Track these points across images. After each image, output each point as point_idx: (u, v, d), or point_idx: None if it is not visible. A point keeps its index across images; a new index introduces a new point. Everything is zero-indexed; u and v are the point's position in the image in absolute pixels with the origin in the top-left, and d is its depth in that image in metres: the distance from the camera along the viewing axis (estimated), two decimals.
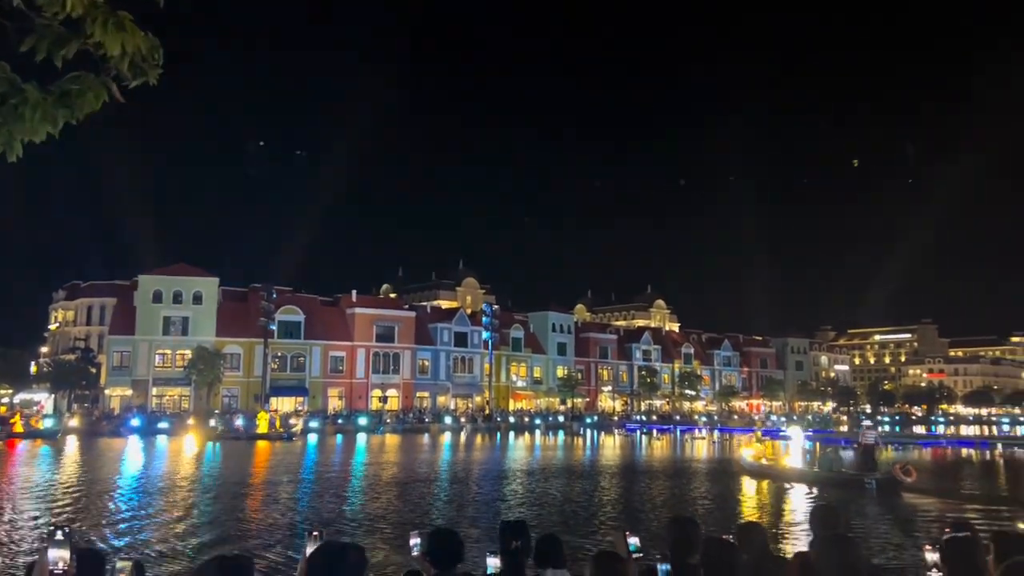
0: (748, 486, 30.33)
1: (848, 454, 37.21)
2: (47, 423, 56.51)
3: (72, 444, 49.18)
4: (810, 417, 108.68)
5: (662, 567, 4.10)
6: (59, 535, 2.69)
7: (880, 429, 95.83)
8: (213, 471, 34.89)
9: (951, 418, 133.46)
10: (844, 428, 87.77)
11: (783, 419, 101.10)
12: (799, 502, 25.80)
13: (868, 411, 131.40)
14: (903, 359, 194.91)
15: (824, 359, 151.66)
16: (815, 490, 28.41)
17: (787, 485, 29.56)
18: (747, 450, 36.35)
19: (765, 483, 30.40)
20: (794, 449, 38.26)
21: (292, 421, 63.76)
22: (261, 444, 51.07)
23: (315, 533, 3.63)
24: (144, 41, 3.22)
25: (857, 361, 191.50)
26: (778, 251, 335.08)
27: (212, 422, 61.39)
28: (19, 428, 53.04)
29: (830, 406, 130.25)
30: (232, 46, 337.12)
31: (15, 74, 3.11)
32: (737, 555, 4.10)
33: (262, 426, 56.69)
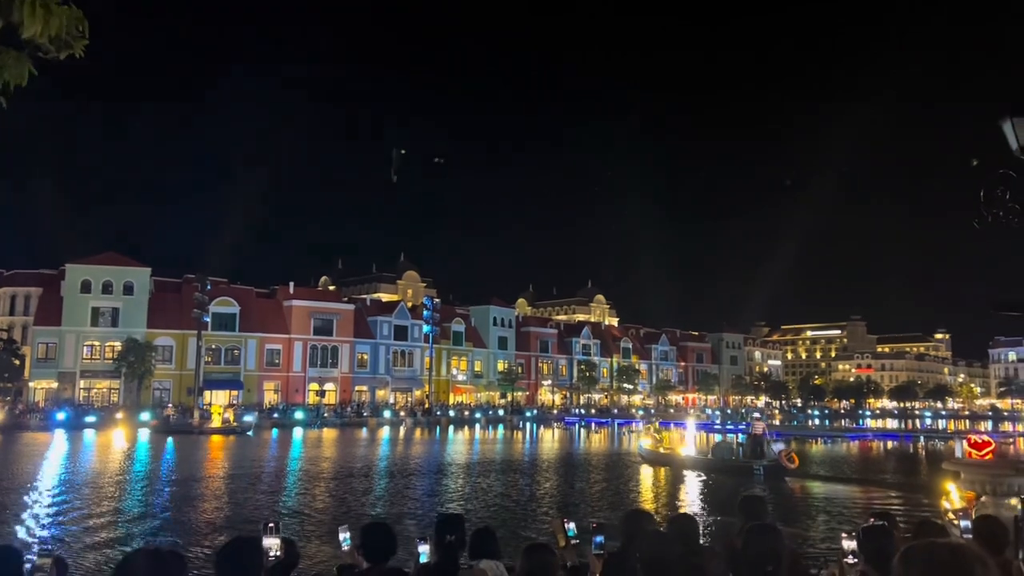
0: (646, 473, 31.91)
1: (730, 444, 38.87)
2: None
3: None
4: (743, 410, 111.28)
5: (596, 538, 4.17)
6: None
7: (811, 422, 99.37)
8: (162, 467, 33.96)
9: (878, 412, 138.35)
10: (776, 421, 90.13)
11: (718, 412, 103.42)
12: (695, 487, 27.86)
13: (799, 404, 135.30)
14: (833, 354, 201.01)
15: (758, 354, 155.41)
16: (709, 476, 30.45)
17: (684, 472, 31.51)
18: (645, 440, 38.37)
19: (663, 470, 32.16)
20: (688, 438, 40.29)
21: (227, 415, 62.51)
22: (215, 439, 50.00)
23: (271, 524, 3.67)
24: (69, 14, 3.12)
25: (789, 356, 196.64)
26: (713, 249, 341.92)
27: (145, 416, 59.99)
28: None
29: (763, 400, 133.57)
30: (165, 14, 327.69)
31: None
32: (670, 546, 4.16)
33: (216, 420, 55.58)
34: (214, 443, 46.77)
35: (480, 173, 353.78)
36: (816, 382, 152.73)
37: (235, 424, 56.44)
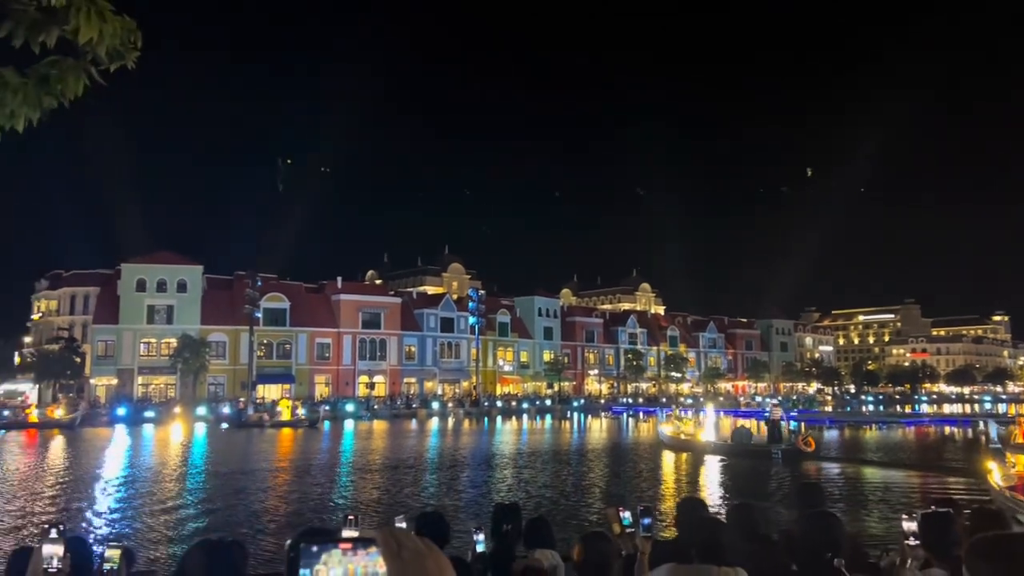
0: (671, 460, 32.51)
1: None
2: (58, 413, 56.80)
3: (81, 434, 48.93)
4: (795, 397, 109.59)
5: (644, 520, 4.22)
6: (53, 533, 2.69)
7: (865, 408, 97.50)
8: (234, 459, 34.84)
9: (934, 397, 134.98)
10: (828, 408, 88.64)
11: (768, 400, 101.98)
12: (715, 472, 28.55)
13: (852, 391, 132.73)
14: (887, 339, 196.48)
15: (809, 340, 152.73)
16: (729, 460, 31.11)
17: (705, 457, 32.40)
18: (666, 427, 39.30)
19: (684, 456, 32.98)
20: (709, 424, 41.15)
21: (279, 409, 63.64)
22: (285, 431, 51.13)
23: (351, 517, 3.66)
24: (122, 25, 3.19)
25: (841, 341, 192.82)
26: (762, 234, 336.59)
27: (202, 410, 61.59)
28: (33, 419, 53.92)
29: (815, 386, 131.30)
30: (220, 32, 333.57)
31: None
32: (728, 534, 4.15)
33: (285, 414, 56.80)
34: (284, 436, 47.88)
35: (523, 165, 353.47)
36: (869, 367, 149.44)
37: (304, 417, 57.59)
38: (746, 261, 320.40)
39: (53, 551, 2.66)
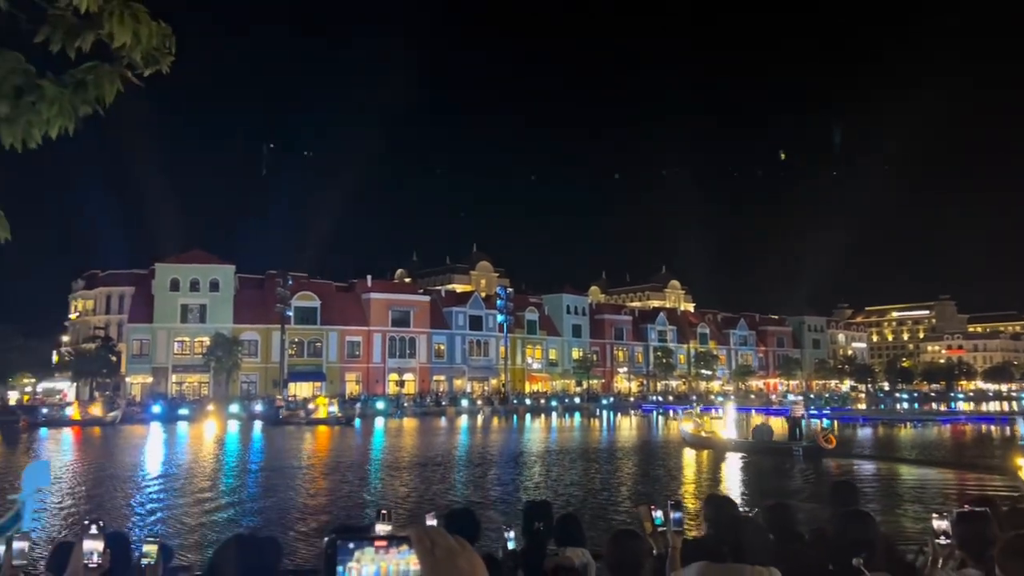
0: (690, 456, 32.88)
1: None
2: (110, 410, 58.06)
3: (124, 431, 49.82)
4: (827, 395, 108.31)
5: (675, 515, 4.24)
6: (93, 528, 2.75)
7: (899, 406, 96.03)
8: (272, 456, 35.32)
9: (971, 394, 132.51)
10: (862, 406, 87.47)
11: (800, 397, 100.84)
12: (736, 469, 28.80)
13: (886, 388, 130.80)
14: (922, 336, 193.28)
15: (841, 337, 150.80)
16: (750, 457, 31.41)
17: (726, 454, 32.55)
18: (687, 424, 39.57)
19: (706, 453, 33.09)
20: (728, 422, 41.35)
21: (315, 406, 64.15)
22: (321, 429, 51.73)
23: (384, 512, 3.67)
24: (157, 30, 3.24)
25: (875, 338, 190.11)
26: (792, 229, 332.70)
27: (234, 407, 62.37)
28: (76, 416, 55.16)
29: (848, 384, 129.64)
30: (250, 32, 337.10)
31: (30, 65, 3.14)
32: (763, 534, 4.12)
33: (321, 411, 57.46)
34: (320, 433, 48.43)
35: (551, 162, 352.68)
36: (904, 364, 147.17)
37: (340, 415, 58.14)
38: (777, 258, 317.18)
39: (93, 546, 2.72)
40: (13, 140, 3.20)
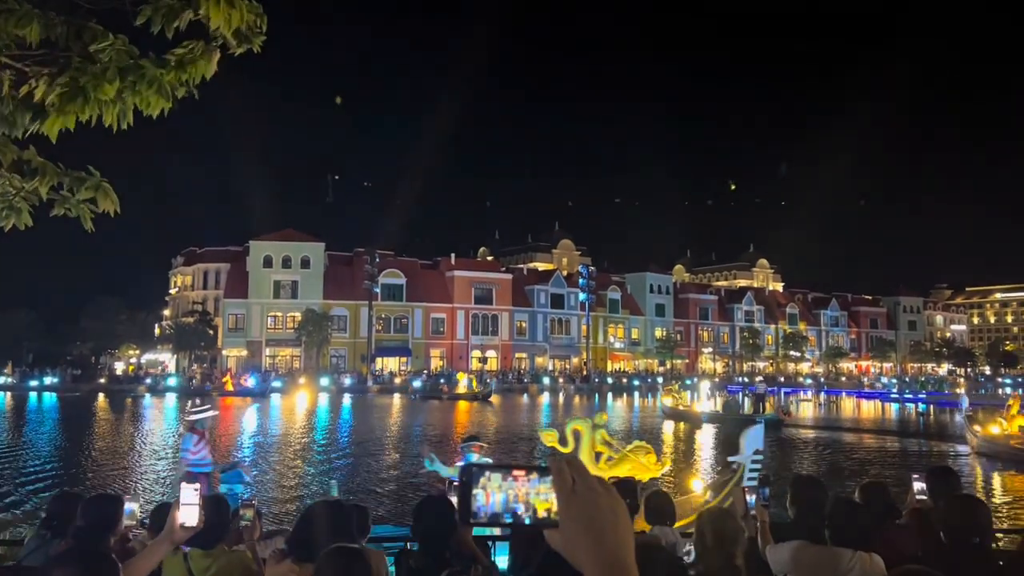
0: (668, 427, 37.73)
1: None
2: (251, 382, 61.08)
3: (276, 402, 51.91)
4: (923, 379, 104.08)
5: (763, 490, 4.42)
6: (191, 490, 2.88)
7: (1001, 391, 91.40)
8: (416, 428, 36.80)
9: None
10: (960, 391, 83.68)
11: (894, 381, 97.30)
12: (709, 437, 33.09)
13: (988, 372, 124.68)
14: None
15: (939, 319, 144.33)
16: (717, 427, 35.63)
17: (701, 425, 37.08)
18: (667, 399, 44.47)
19: (682, 424, 38.02)
20: (703, 397, 50.09)
21: (457, 380, 64.73)
22: (461, 404, 53.13)
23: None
24: (249, 10, 3.34)
25: (976, 320, 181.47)
26: (892, 204, 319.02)
27: (325, 381, 64.28)
28: (230, 387, 58.61)
29: (945, 368, 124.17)
30: (338, 9, 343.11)
31: (132, 47, 3.28)
32: (863, 514, 4.03)
33: (461, 386, 58.90)
34: (460, 408, 49.72)
35: (635, 140, 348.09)
36: (1007, 348, 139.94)
37: (478, 390, 59.25)
38: (872, 237, 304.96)
39: (189, 507, 2.86)
40: (112, 120, 3.35)
